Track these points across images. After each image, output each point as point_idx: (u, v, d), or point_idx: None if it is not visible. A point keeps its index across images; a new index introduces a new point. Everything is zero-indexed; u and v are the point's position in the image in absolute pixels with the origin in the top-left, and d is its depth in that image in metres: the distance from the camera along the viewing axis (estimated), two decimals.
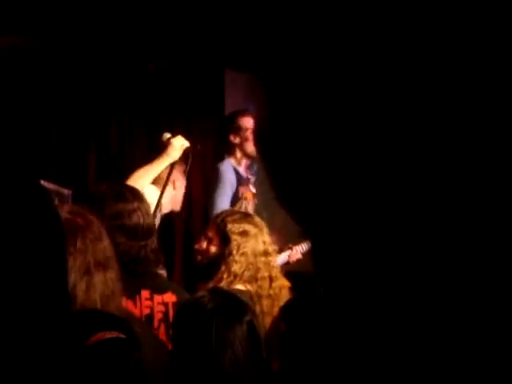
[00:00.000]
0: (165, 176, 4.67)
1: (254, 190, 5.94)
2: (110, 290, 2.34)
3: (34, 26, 6.98)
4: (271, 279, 3.78)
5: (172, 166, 4.64)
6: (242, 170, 5.86)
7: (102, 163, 8.10)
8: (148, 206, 3.40)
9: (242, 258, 3.70)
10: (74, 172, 7.87)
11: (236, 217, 3.83)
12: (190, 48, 7.63)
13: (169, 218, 7.59)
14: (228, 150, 5.92)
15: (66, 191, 6.78)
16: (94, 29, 6.86)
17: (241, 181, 5.79)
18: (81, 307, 2.14)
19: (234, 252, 3.70)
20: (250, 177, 5.97)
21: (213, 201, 5.58)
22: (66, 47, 7.47)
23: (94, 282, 2.29)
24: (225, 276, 3.68)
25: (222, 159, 6.05)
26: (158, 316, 3.27)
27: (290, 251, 5.80)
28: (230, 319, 2.26)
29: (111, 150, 8.17)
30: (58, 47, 7.49)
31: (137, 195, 3.38)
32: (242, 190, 5.79)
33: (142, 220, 3.19)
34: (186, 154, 4.62)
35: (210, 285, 3.57)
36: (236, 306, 2.31)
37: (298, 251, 5.82)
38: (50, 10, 6.76)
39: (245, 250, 3.71)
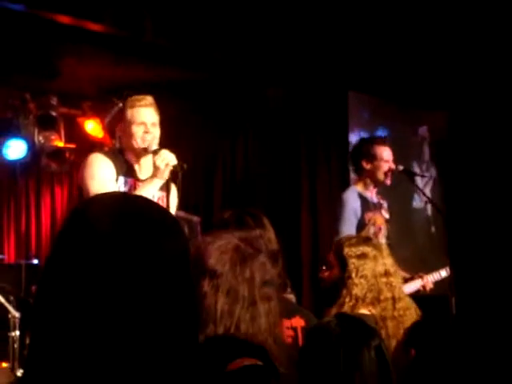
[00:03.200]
0: None
1: (387, 216, 5.86)
2: (272, 319, 2.28)
3: None
4: (394, 300, 3.71)
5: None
6: (370, 195, 5.78)
7: (227, 190, 8.20)
8: (271, 231, 3.40)
9: (362, 281, 3.66)
10: (201, 199, 8.00)
11: (353, 241, 3.81)
12: (313, 71, 7.65)
13: (296, 243, 7.64)
14: (357, 174, 5.85)
15: (194, 218, 6.90)
16: (219, 55, 6.96)
17: (368, 206, 5.72)
18: (245, 337, 2.13)
19: (353, 275, 3.67)
20: (382, 202, 5.89)
21: (337, 229, 5.54)
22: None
23: (258, 313, 2.24)
24: (347, 300, 3.65)
25: (346, 186, 6.01)
26: (288, 341, 3.25)
27: (420, 280, 5.70)
28: (358, 344, 2.22)
29: (237, 176, 8.26)
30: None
31: (259, 222, 3.38)
32: (369, 215, 5.71)
33: (264, 247, 3.18)
34: (174, 173, 4.35)
35: (334, 309, 3.55)
36: (363, 331, 2.27)
37: (429, 281, 5.72)
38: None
39: (364, 272, 3.67)
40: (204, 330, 2.06)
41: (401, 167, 5.99)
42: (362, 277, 3.65)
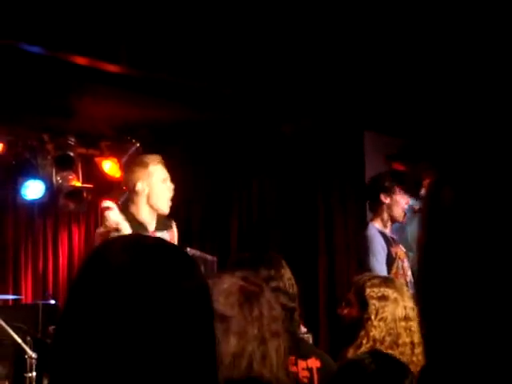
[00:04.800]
0: None
1: (404, 249, 5.82)
2: (281, 357, 2.29)
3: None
4: (413, 345, 3.66)
5: None
6: (388, 231, 5.75)
7: (243, 231, 8.19)
8: (288, 271, 3.40)
9: (381, 323, 3.62)
10: (217, 240, 7.99)
11: (376, 281, 3.76)
12: (327, 110, 7.67)
13: (313, 284, 7.59)
14: (375, 210, 5.78)
15: (210, 258, 6.88)
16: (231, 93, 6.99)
17: (389, 242, 5.68)
18: (256, 375, 2.12)
19: (373, 317, 3.62)
20: (394, 237, 5.86)
21: (369, 265, 5.45)
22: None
23: (269, 350, 2.25)
24: (364, 341, 3.60)
25: (363, 226, 5.95)
26: (303, 381, 3.22)
27: None
28: (392, 382, 2.20)
29: (253, 216, 8.25)
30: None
31: (277, 262, 3.38)
32: (393, 250, 5.67)
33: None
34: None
35: (351, 350, 3.52)
36: (397, 369, 2.25)
37: None
38: None
39: (384, 314, 3.63)
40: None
41: (416, 205, 5.96)
42: (381, 319, 3.61)
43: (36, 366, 5.69)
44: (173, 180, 4.72)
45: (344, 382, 2.28)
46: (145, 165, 4.66)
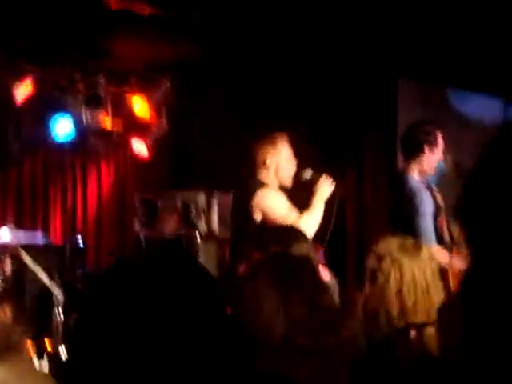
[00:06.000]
0: None
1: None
2: None
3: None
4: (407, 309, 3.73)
5: None
6: (425, 180, 5.63)
7: None
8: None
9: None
10: None
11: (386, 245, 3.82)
12: (362, 58, 7.56)
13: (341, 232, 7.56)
14: (412, 159, 5.60)
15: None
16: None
17: (432, 191, 5.56)
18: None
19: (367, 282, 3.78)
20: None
21: (416, 225, 5.36)
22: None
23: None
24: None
25: (397, 177, 5.81)
26: None
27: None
28: None
29: None
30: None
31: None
32: (437, 197, 5.57)
33: None
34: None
35: None
36: None
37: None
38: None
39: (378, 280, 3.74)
40: None
41: (449, 157, 5.84)
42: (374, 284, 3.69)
43: (63, 307, 5.75)
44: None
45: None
46: (273, 142, 5.11)
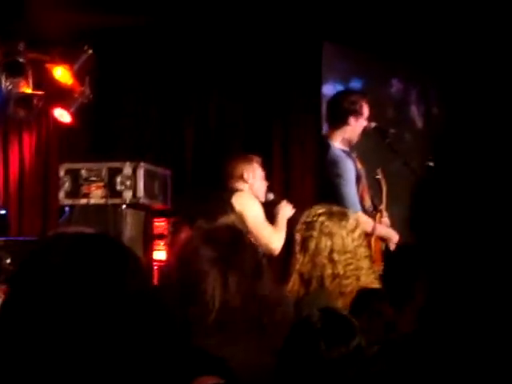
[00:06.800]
0: None
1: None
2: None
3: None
4: (339, 277, 3.79)
5: None
6: (348, 149, 5.66)
7: (200, 140, 8.06)
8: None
9: (307, 257, 3.81)
10: (172, 149, 7.87)
11: (312, 213, 3.89)
12: (287, 20, 7.51)
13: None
14: (336, 128, 5.62)
15: (165, 172, 6.82)
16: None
17: (354, 159, 5.59)
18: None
19: (297, 250, 3.85)
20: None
21: (339, 193, 5.39)
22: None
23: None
24: (293, 276, 3.83)
25: (322, 144, 5.82)
26: None
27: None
28: (338, 341, 2.18)
29: (210, 125, 8.11)
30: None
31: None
32: (358, 166, 5.60)
33: None
34: None
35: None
36: (345, 328, 2.22)
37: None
38: None
39: (309, 247, 3.81)
40: None
41: (373, 124, 5.86)
42: (306, 252, 3.75)
43: None
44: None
45: (292, 337, 2.26)
46: (250, 160, 5.60)
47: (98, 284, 1.21)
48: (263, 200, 5.57)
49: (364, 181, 5.58)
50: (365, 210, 5.40)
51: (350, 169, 5.42)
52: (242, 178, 5.50)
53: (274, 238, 5.29)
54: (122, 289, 1.23)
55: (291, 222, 5.78)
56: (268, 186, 5.73)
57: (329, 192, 5.31)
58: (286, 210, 5.52)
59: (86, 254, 1.24)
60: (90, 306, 1.19)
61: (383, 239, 5.51)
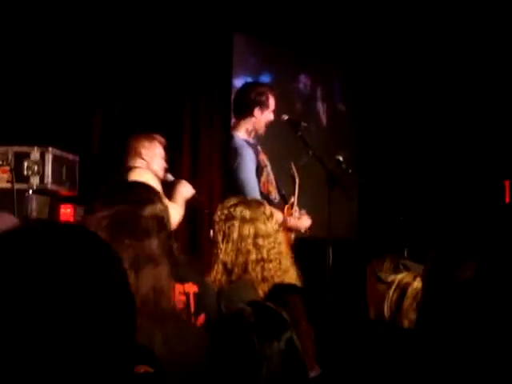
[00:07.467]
0: None
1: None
2: (160, 284, 2.47)
3: None
4: (263, 261, 3.88)
5: None
6: (252, 140, 5.72)
7: (107, 126, 7.96)
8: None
9: (229, 244, 3.87)
10: (80, 135, 7.75)
11: (227, 203, 3.99)
12: (196, 11, 7.51)
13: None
14: (241, 118, 5.67)
15: (72, 157, 6.73)
16: None
17: (256, 150, 5.65)
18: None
19: (219, 239, 3.90)
20: (257, 144, 5.83)
21: (239, 181, 5.45)
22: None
23: (142, 275, 2.41)
24: (216, 265, 3.86)
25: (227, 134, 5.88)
26: (179, 306, 3.23)
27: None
28: (270, 334, 2.21)
29: (116, 112, 8.02)
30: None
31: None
32: (261, 157, 5.66)
33: None
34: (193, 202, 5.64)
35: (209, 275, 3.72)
36: (277, 322, 2.26)
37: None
38: None
39: (232, 235, 3.86)
40: None
41: (285, 116, 5.95)
42: (228, 241, 3.81)
43: None
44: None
45: (224, 331, 2.29)
46: (151, 138, 5.57)
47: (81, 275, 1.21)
48: (161, 178, 5.51)
49: (269, 172, 5.66)
50: (269, 201, 5.46)
51: (249, 158, 5.49)
52: (140, 154, 5.48)
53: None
54: (106, 280, 1.24)
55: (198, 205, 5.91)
56: (170, 168, 5.75)
57: (230, 179, 5.44)
58: (184, 189, 5.50)
59: (63, 246, 1.24)
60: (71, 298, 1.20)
61: (291, 230, 5.63)
